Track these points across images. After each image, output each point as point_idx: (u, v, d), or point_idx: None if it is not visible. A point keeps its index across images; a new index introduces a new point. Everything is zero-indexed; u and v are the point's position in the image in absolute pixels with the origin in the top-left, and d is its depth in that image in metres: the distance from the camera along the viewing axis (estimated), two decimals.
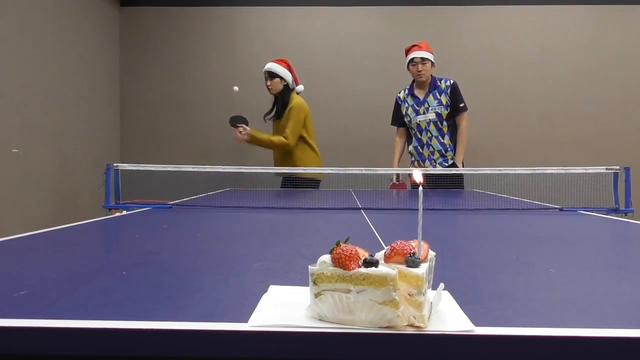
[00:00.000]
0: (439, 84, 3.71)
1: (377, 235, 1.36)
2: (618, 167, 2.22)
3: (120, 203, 2.40)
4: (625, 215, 2.11)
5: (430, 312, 0.59)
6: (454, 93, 3.66)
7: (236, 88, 3.72)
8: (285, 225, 1.67)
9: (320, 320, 0.58)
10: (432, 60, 3.71)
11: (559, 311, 0.66)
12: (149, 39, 5.17)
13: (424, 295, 0.56)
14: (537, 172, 2.36)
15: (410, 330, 0.55)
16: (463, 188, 3.63)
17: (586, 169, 2.32)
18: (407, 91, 3.85)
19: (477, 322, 0.57)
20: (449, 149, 3.66)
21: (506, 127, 5.11)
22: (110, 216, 2.16)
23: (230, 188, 3.81)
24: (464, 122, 3.68)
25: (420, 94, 3.74)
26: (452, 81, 3.71)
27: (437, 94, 3.68)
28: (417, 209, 0.62)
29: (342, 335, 0.55)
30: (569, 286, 0.80)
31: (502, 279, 0.86)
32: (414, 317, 0.56)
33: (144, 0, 5.22)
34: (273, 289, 0.72)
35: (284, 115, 3.67)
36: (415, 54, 3.72)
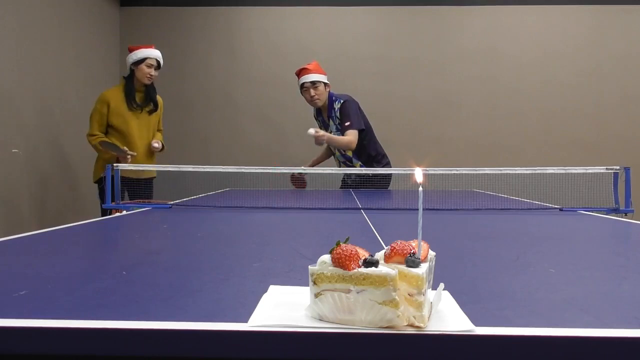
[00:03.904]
0: (334, 106, 3.45)
1: (377, 235, 1.36)
2: (618, 167, 2.22)
3: (120, 203, 2.40)
4: (625, 215, 2.11)
5: (430, 312, 0.59)
6: (342, 113, 3.41)
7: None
8: (285, 225, 1.67)
9: (320, 320, 0.58)
10: (325, 82, 3.43)
11: (559, 311, 0.66)
12: (149, 39, 5.17)
13: (424, 295, 0.56)
14: (537, 172, 2.36)
15: (410, 330, 0.55)
16: (387, 188, 3.54)
17: (586, 169, 2.32)
18: (314, 109, 3.66)
19: (477, 322, 0.57)
20: (352, 158, 3.51)
21: (506, 127, 5.10)
22: (110, 216, 2.16)
23: (230, 188, 3.81)
24: (348, 137, 3.38)
25: (324, 115, 3.55)
26: (342, 101, 3.43)
27: (335, 117, 3.46)
28: (417, 209, 0.62)
29: (342, 335, 0.55)
30: (569, 286, 0.80)
31: (502, 279, 0.86)
32: (414, 317, 0.56)
33: (144, 0, 5.22)
34: (273, 289, 0.72)
35: (158, 111, 3.48)
36: (305, 78, 3.39)
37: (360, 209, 2.14)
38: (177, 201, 2.51)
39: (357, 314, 0.56)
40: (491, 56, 5.12)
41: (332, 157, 3.76)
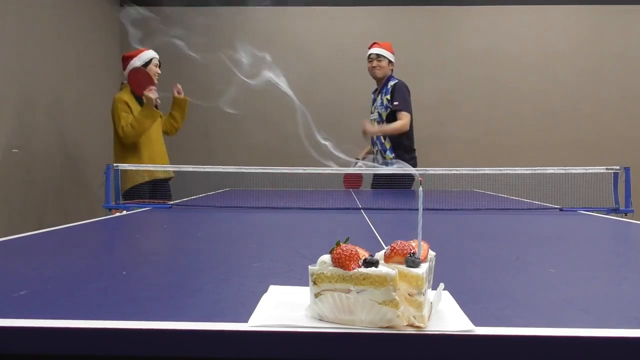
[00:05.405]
0: (389, 85, 3.64)
1: (377, 235, 1.36)
2: (618, 167, 2.22)
3: (120, 203, 2.40)
4: (625, 215, 2.11)
5: (430, 312, 0.59)
6: (393, 93, 3.58)
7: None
8: (285, 225, 1.67)
9: (320, 320, 0.58)
10: (390, 60, 3.69)
11: (559, 311, 0.66)
12: (149, 39, 5.17)
13: (424, 295, 0.56)
14: (537, 172, 2.36)
15: (410, 330, 0.55)
16: (410, 188, 3.56)
17: (586, 169, 2.32)
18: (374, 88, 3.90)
19: (477, 322, 0.57)
20: (388, 150, 3.62)
21: (506, 127, 5.10)
22: (110, 216, 2.16)
23: (230, 188, 3.81)
24: (401, 120, 3.54)
25: (376, 92, 3.78)
26: (397, 82, 3.62)
27: (383, 94, 3.66)
28: (417, 209, 0.62)
29: (342, 335, 0.55)
30: (569, 286, 0.80)
31: (502, 279, 0.86)
32: (414, 317, 0.56)
33: (144, 0, 5.21)
34: (273, 289, 0.72)
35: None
36: (372, 50, 3.72)
37: (360, 209, 2.14)
38: (177, 201, 2.51)
39: (357, 314, 0.56)
40: (491, 56, 5.12)
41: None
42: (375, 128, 3.61)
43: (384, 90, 3.65)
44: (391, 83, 3.64)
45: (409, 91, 3.63)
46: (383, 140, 3.64)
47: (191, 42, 5.16)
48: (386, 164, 3.52)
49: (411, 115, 3.63)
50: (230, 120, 5.22)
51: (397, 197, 2.94)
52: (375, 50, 3.69)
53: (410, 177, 3.53)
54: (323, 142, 0.79)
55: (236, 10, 5.19)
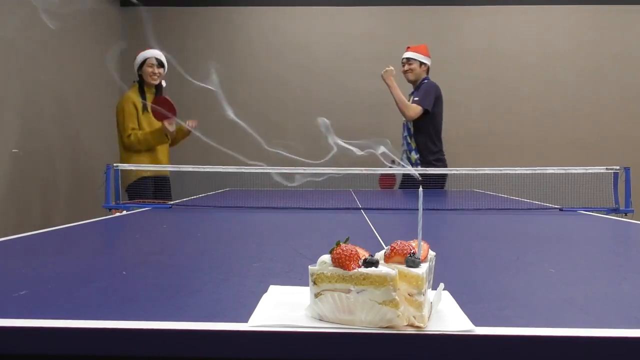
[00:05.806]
0: (421, 86, 3.70)
1: (377, 235, 1.36)
2: (618, 167, 2.22)
3: (120, 203, 2.40)
4: (625, 215, 2.11)
5: (430, 312, 0.59)
6: (418, 89, 3.68)
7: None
8: (285, 225, 1.67)
9: (320, 320, 0.58)
10: (423, 62, 3.74)
11: (559, 311, 0.66)
12: (148, 39, 5.17)
13: (424, 295, 0.56)
14: (537, 172, 2.36)
15: (410, 330, 0.55)
16: (443, 187, 3.60)
17: (586, 169, 2.32)
18: None
19: (477, 322, 0.57)
20: (413, 150, 3.68)
21: (506, 127, 5.10)
22: (110, 216, 2.16)
23: (230, 188, 3.81)
24: (413, 105, 3.59)
25: (410, 95, 3.84)
26: (427, 81, 3.70)
27: (414, 96, 3.71)
28: (417, 209, 0.62)
29: (342, 335, 0.55)
30: (569, 286, 0.80)
31: (502, 279, 0.86)
32: (414, 317, 0.56)
33: (144, 0, 5.22)
34: (273, 289, 0.72)
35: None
36: (404, 54, 3.81)
37: (360, 209, 2.14)
38: (177, 201, 2.51)
39: (357, 314, 0.56)
40: (491, 56, 5.12)
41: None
42: (390, 79, 3.65)
43: (414, 93, 3.71)
44: (424, 82, 3.71)
45: (436, 91, 3.66)
46: (409, 141, 3.70)
47: (190, 42, 5.16)
48: (410, 164, 3.56)
49: (435, 117, 3.66)
50: (230, 120, 5.21)
51: (397, 197, 2.94)
52: (405, 54, 3.76)
53: (441, 178, 3.57)
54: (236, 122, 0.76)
55: (235, 10, 5.19)
